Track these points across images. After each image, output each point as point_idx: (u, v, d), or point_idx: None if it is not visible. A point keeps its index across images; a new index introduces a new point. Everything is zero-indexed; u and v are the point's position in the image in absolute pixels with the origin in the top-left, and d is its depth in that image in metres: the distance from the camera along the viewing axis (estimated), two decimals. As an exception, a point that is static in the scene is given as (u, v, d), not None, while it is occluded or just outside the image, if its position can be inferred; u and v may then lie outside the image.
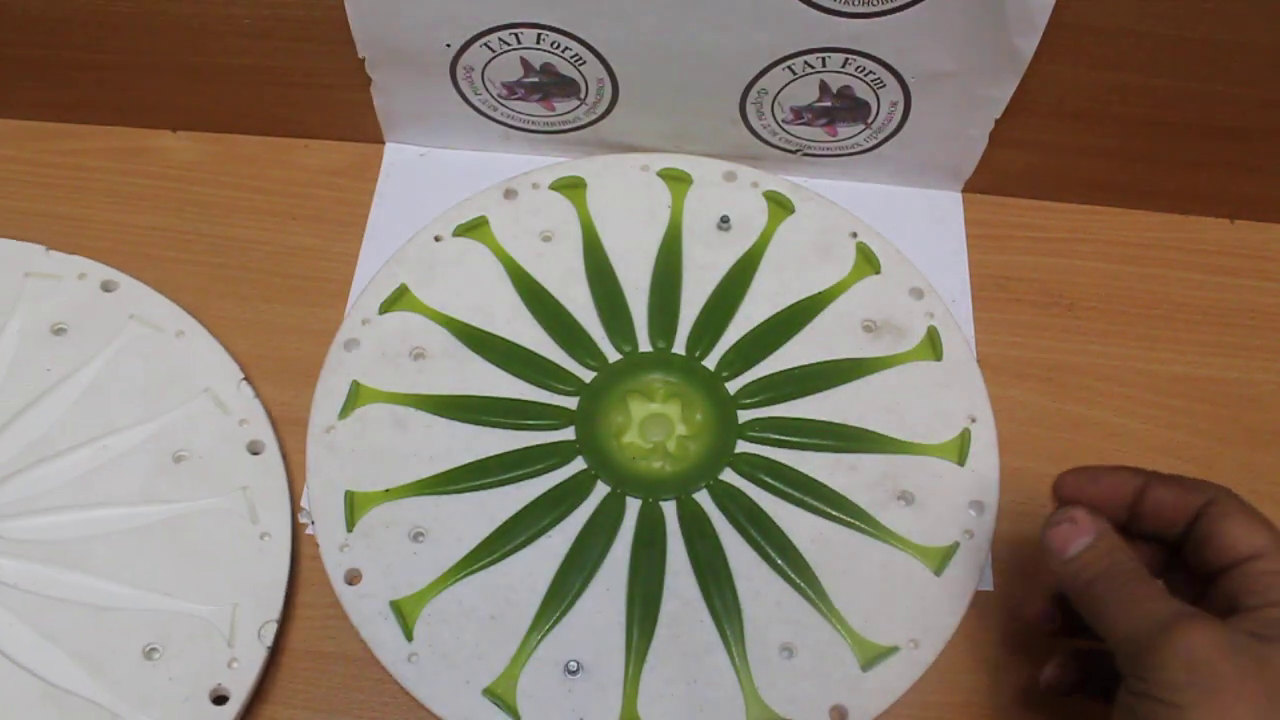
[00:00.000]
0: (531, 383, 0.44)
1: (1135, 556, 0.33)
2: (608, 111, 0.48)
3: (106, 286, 0.45)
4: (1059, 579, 0.34)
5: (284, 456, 0.42)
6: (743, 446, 0.43)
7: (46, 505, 0.40)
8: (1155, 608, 0.31)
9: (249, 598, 0.39)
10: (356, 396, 0.44)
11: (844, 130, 0.48)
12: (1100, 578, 0.32)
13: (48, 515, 0.40)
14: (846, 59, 0.44)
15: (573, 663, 0.39)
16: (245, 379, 0.44)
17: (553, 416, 0.44)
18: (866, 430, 0.43)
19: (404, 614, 0.40)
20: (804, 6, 0.42)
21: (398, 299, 0.46)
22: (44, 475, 0.41)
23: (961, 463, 0.43)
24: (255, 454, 0.42)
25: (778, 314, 0.46)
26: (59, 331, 0.44)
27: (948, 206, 0.51)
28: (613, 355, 0.45)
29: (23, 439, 0.41)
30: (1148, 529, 0.35)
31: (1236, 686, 0.29)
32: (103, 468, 0.41)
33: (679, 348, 0.45)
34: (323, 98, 0.49)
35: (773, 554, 0.41)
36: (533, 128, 0.50)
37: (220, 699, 0.37)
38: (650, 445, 0.44)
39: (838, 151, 0.49)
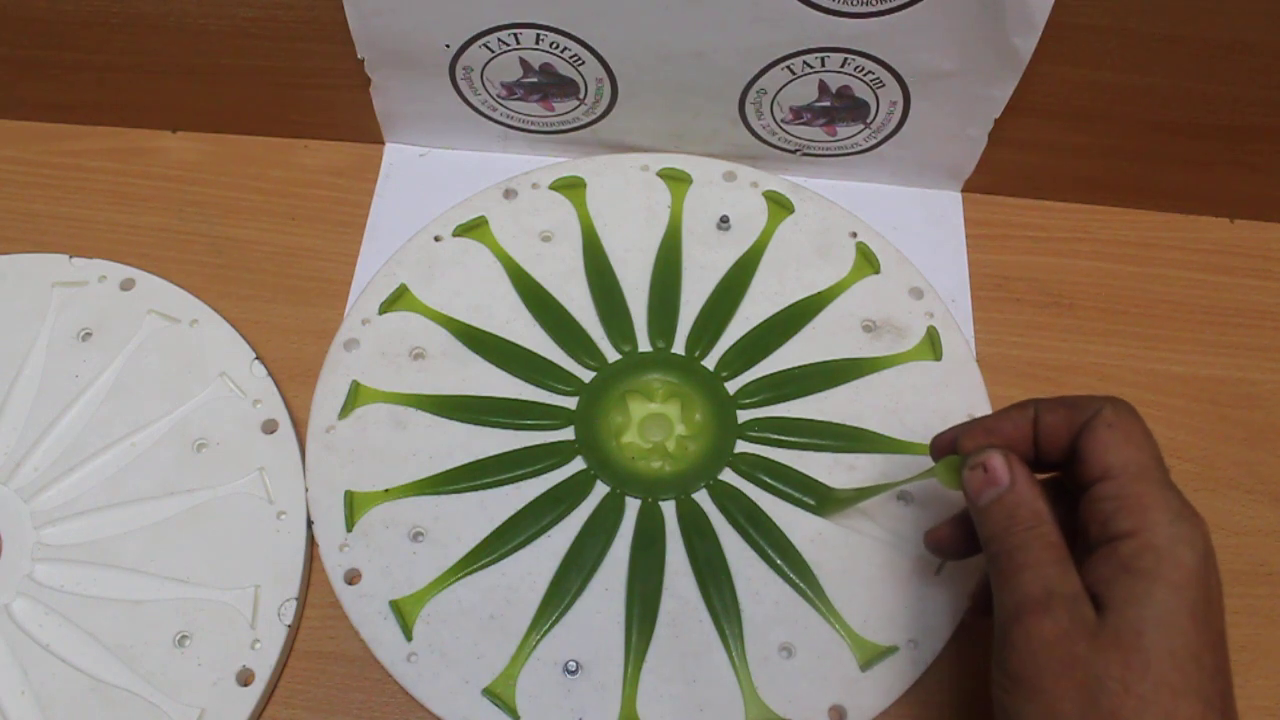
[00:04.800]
0: (531, 383, 0.44)
1: (1041, 510, 0.31)
2: (607, 111, 0.48)
3: (125, 285, 0.46)
4: (975, 523, 0.32)
5: (295, 427, 0.43)
6: (742, 446, 0.43)
7: (82, 508, 0.41)
8: (1025, 587, 0.30)
9: (269, 578, 0.40)
10: (356, 396, 0.44)
11: (843, 130, 0.48)
12: (996, 538, 0.31)
13: (84, 518, 0.41)
14: (845, 59, 0.44)
15: (572, 662, 0.39)
16: (257, 358, 0.44)
17: (552, 416, 0.44)
18: (866, 430, 0.43)
19: (403, 614, 0.40)
20: (803, 6, 0.42)
21: (397, 299, 0.46)
22: (79, 480, 0.42)
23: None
24: (270, 433, 0.43)
25: (777, 314, 0.46)
26: (85, 336, 0.45)
27: (947, 206, 0.51)
28: (612, 355, 0.45)
29: (58, 448, 0.42)
30: (1051, 460, 0.33)
31: (1062, 684, 0.28)
32: (131, 465, 0.42)
33: (678, 348, 0.45)
34: (323, 98, 0.49)
35: (772, 554, 0.41)
36: (532, 128, 0.50)
37: (246, 680, 0.39)
38: (649, 445, 0.44)
39: (837, 151, 0.49)
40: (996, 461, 0.32)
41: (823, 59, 0.44)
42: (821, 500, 0.42)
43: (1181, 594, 0.28)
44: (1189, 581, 0.28)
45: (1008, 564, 0.30)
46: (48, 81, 0.50)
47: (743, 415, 0.44)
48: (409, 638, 0.39)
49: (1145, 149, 0.48)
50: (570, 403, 0.44)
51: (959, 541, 0.36)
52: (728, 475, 0.43)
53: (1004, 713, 0.30)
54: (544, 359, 0.45)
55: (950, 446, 0.35)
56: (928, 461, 0.43)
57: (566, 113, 0.49)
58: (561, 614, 0.40)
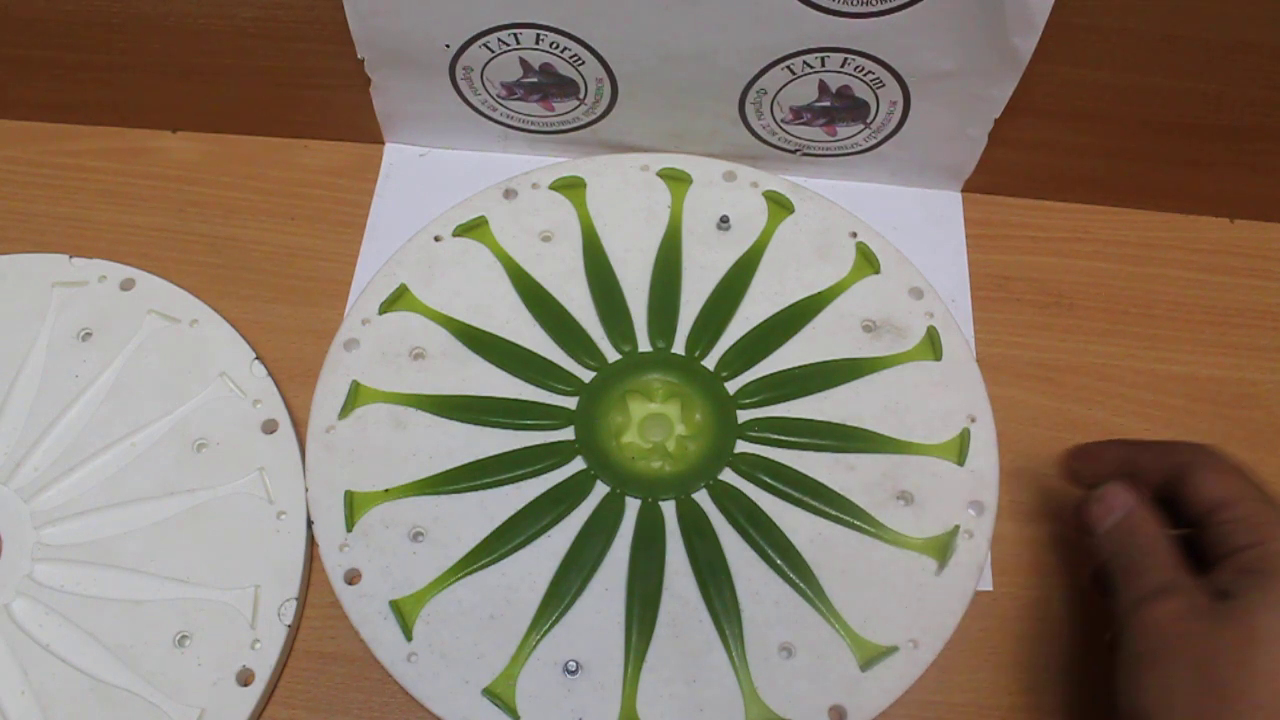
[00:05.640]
0: (531, 383, 0.44)
1: (1158, 528, 0.34)
2: (607, 111, 0.48)
3: (125, 285, 0.46)
4: (1094, 550, 0.36)
5: (295, 427, 0.43)
6: (742, 446, 0.43)
7: (82, 508, 0.41)
8: (1146, 585, 0.33)
9: (269, 578, 0.40)
10: (356, 396, 0.44)
11: (843, 130, 0.48)
12: (1118, 553, 0.35)
13: (84, 518, 0.41)
14: (845, 59, 0.44)
15: (572, 663, 0.39)
16: (257, 358, 0.44)
17: (552, 416, 0.44)
18: (866, 430, 0.43)
19: (403, 614, 0.40)
20: (803, 6, 0.42)
21: (397, 299, 0.46)
22: (78, 480, 0.42)
23: (961, 463, 0.43)
24: (269, 433, 0.43)
25: (777, 314, 0.46)
26: (85, 336, 0.45)
27: (947, 206, 0.51)
28: (612, 355, 0.45)
29: (58, 448, 0.42)
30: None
31: (1180, 658, 0.31)
32: (131, 465, 0.42)
33: (678, 348, 0.45)
34: (323, 98, 0.49)
35: (772, 554, 0.41)
36: (532, 128, 0.50)
37: (246, 680, 0.39)
38: (649, 445, 0.44)
39: (837, 151, 0.49)
40: (1113, 489, 0.36)
41: (823, 59, 0.44)
42: None
43: None
44: None
45: (1130, 567, 0.34)
46: (48, 81, 0.50)
47: (743, 415, 0.44)
48: (409, 638, 0.39)
49: (1145, 149, 0.48)
50: (570, 403, 0.44)
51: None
52: (728, 475, 0.43)
53: (1124, 693, 0.33)
54: (544, 359, 0.45)
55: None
56: (927, 461, 0.43)
57: (566, 113, 0.49)
58: (561, 614, 0.40)
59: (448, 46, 0.46)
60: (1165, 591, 0.33)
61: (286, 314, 0.47)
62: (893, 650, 0.39)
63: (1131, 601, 0.33)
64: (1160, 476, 0.36)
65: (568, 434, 0.43)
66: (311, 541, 0.41)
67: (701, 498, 0.42)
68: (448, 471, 0.42)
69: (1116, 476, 0.37)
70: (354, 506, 0.41)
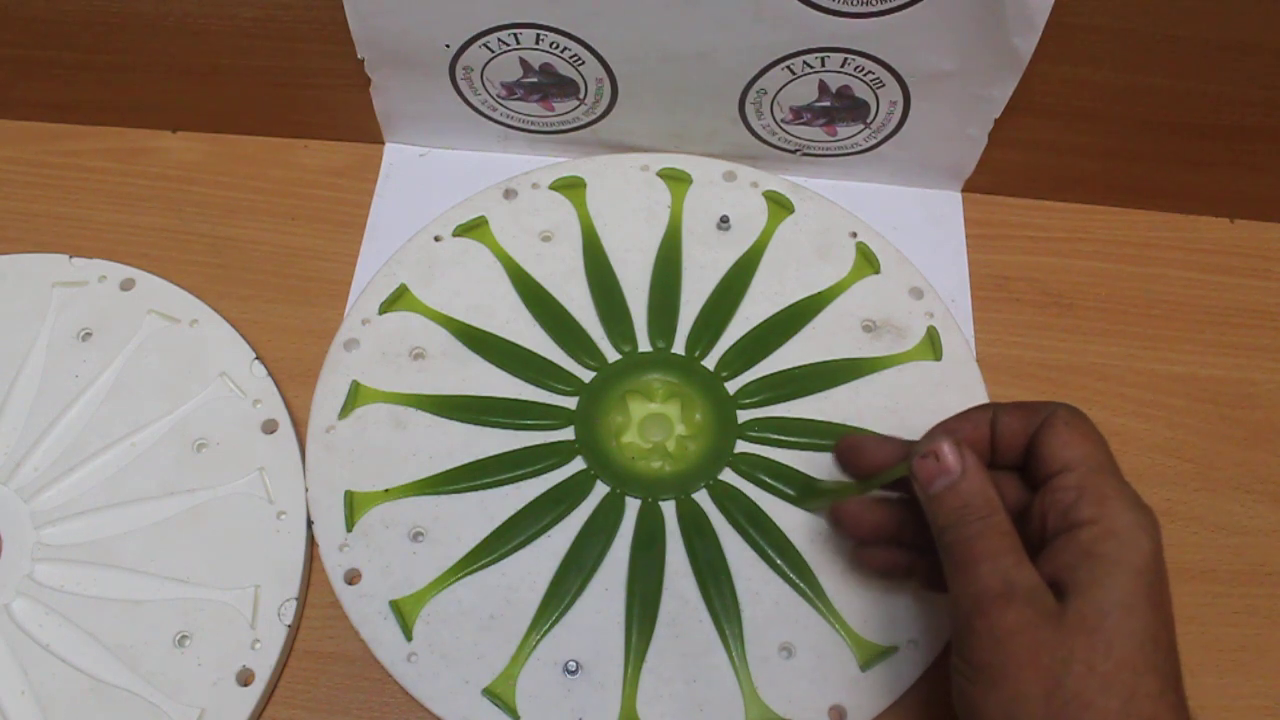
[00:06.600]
0: (531, 383, 0.44)
1: (992, 500, 0.31)
2: (607, 111, 0.48)
3: (125, 285, 0.46)
4: (926, 512, 0.33)
5: (295, 427, 0.43)
6: (742, 446, 0.43)
7: (82, 508, 0.41)
8: (984, 579, 0.30)
9: (269, 578, 0.40)
10: (356, 396, 0.44)
11: (843, 130, 0.48)
12: (950, 529, 0.32)
13: (84, 518, 0.41)
14: (846, 59, 0.44)
15: (572, 662, 0.39)
16: (257, 358, 0.44)
17: (552, 416, 0.44)
18: (866, 430, 0.43)
19: (403, 614, 0.40)
20: (803, 6, 0.42)
21: (397, 299, 0.46)
22: (79, 480, 0.42)
23: (961, 463, 0.43)
24: (270, 433, 0.43)
25: (777, 314, 0.46)
26: (85, 336, 0.45)
27: (947, 206, 0.51)
28: (612, 355, 0.45)
29: (58, 448, 0.42)
30: (1006, 461, 0.34)
31: (1027, 670, 0.29)
32: (131, 465, 0.42)
33: (678, 348, 0.45)
34: (323, 98, 0.49)
35: (772, 554, 0.41)
36: (532, 128, 0.50)
37: (246, 680, 0.38)
38: (649, 445, 0.44)
39: (837, 151, 0.49)
40: (947, 449, 0.32)
41: (823, 59, 0.44)
42: (802, 492, 0.42)
43: (1140, 578, 0.29)
44: (1147, 566, 0.29)
45: (964, 554, 0.31)
46: (48, 81, 0.50)
47: (743, 415, 0.44)
48: (409, 638, 0.39)
49: (1145, 149, 0.48)
50: (570, 403, 0.44)
51: (867, 525, 0.38)
52: (728, 475, 0.43)
53: (966, 701, 0.31)
54: (544, 359, 0.45)
55: (862, 452, 0.38)
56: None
57: (566, 113, 0.49)
58: (561, 614, 0.40)
59: (448, 46, 0.46)
60: (1008, 595, 0.30)
61: (286, 314, 0.47)
62: (893, 650, 0.39)
63: (971, 599, 0.30)
64: (1024, 438, 0.33)
65: (568, 434, 0.43)
66: (311, 541, 0.41)
67: (701, 498, 0.42)
68: (448, 471, 0.42)
69: (980, 444, 0.34)
70: (354, 506, 0.41)
